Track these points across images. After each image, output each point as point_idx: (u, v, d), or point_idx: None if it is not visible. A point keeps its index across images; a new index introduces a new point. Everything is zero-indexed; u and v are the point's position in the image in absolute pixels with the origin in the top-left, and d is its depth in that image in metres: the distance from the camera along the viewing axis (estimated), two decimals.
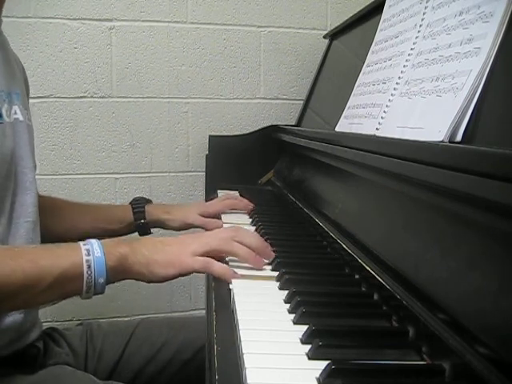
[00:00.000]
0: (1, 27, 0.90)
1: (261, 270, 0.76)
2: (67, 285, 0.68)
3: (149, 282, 0.75)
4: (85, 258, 0.68)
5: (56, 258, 0.68)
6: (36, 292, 0.66)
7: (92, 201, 1.53)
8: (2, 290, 0.64)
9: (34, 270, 0.66)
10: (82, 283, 0.68)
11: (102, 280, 0.69)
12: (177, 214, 1.13)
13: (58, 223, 1.06)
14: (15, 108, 0.87)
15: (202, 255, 0.75)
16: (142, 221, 1.11)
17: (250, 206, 1.18)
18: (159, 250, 0.74)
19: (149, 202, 1.15)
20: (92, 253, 0.69)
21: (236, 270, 0.75)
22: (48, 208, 1.05)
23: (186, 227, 1.12)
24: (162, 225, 1.14)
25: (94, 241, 0.71)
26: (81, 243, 0.71)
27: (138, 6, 1.56)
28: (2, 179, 0.81)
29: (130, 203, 1.14)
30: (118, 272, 0.72)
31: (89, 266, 0.68)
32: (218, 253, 0.77)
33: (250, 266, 0.76)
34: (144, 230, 1.12)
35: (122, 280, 0.74)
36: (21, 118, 0.88)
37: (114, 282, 0.72)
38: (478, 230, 0.50)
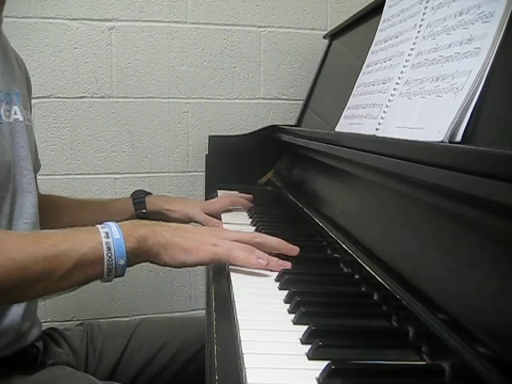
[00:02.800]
0: (1, 27, 0.89)
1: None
2: (88, 269, 0.68)
3: (164, 265, 0.74)
4: (104, 240, 0.68)
5: (75, 242, 0.67)
6: (56, 277, 0.65)
7: None
8: (25, 277, 0.63)
9: (54, 255, 0.65)
10: (103, 266, 0.68)
11: (122, 262, 0.69)
12: (179, 206, 1.15)
13: (57, 221, 1.05)
14: (15, 108, 0.86)
15: None
16: (143, 211, 1.13)
17: (250, 198, 1.21)
18: (181, 235, 0.75)
19: (149, 194, 1.18)
20: (111, 235, 0.69)
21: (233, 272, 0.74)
22: (47, 206, 1.05)
23: (187, 220, 1.14)
24: (162, 216, 1.14)
25: (112, 223, 0.71)
26: (99, 226, 0.70)
27: (137, 5, 1.56)
28: (1, 180, 0.80)
29: (131, 195, 1.17)
30: (138, 253, 0.71)
31: (108, 249, 0.68)
32: None
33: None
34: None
35: (141, 262, 0.73)
36: (20, 119, 0.87)
37: (133, 265, 0.72)
38: (477, 230, 0.49)
